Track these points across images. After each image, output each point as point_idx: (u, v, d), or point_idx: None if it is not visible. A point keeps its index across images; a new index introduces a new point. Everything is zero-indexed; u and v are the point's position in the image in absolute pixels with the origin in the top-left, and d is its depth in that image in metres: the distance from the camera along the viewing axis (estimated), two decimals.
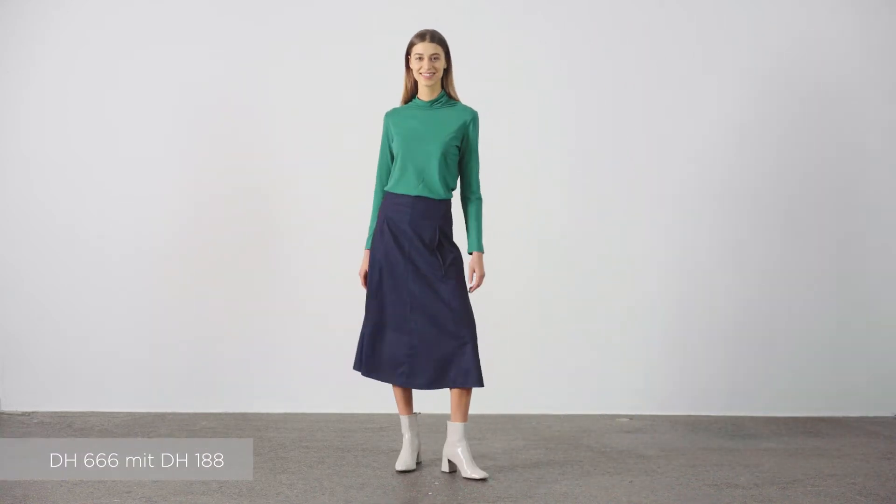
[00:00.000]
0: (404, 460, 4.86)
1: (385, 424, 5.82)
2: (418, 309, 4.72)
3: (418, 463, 4.95)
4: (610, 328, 6.20)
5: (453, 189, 4.83)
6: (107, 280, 6.15)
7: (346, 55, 6.15)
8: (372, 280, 4.80)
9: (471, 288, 4.82)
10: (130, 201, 6.16)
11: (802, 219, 6.23)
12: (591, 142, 6.21)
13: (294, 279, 6.17)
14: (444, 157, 4.73)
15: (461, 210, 4.91)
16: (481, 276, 4.81)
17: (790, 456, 5.21)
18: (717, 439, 5.59)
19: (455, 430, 4.75)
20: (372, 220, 4.87)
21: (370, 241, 4.85)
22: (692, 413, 6.19)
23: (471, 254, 4.83)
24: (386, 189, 4.83)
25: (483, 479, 4.67)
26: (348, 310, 5.60)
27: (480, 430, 5.70)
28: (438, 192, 4.75)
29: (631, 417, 6.10)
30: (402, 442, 4.97)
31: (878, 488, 4.60)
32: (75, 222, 6.14)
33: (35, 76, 6.13)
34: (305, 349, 6.15)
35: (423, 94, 4.80)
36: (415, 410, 5.01)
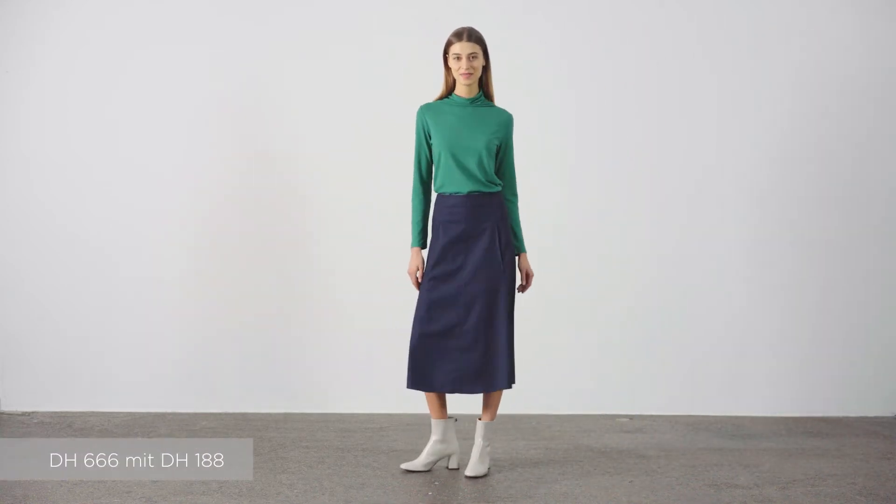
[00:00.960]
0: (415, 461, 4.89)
1: (385, 424, 5.82)
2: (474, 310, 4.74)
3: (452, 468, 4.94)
4: (610, 328, 6.20)
5: (500, 184, 4.82)
6: (107, 280, 6.15)
7: (346, 55, 6.15)
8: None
9: (521, 287, 4.87)
10: (130, 201, 6.16)
11: (802, 219, 6.23)
12: (591, 142, 6.22)
13: (294, 279, 6.17)
14: (489, 151, 4.73)
15: None
16: (531, 276, 4.88)
17: (790, 456, 5.21)
18: (717, 439, 5.59)
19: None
20: (414, 216, 4.83)
21: (418, 238, 4.82)
22: (692, 413, 6.19)
23: (518, 255, 4.85)
24: (436, 192, 4.82)
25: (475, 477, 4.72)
26: (348, 310, 5.61)
27: None
28: (489, 186, 4.75)
29: (631, 417, 6.10)
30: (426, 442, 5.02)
31: (878, 488, 4.60)
32: (75, 222, 6.14)
33: (35, 76, 6.13)
34: (305, 349, 6.15)
35: (463, 92, 4.78)
36: (449, 415, 4.96)
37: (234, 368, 6.17)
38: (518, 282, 4.87)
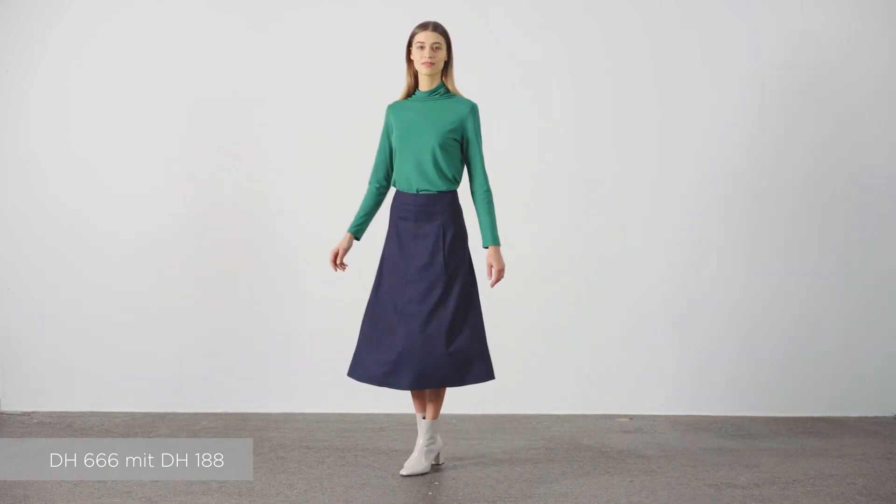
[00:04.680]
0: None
1: (385, 424, 5.82)
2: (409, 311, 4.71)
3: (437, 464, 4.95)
4: (610, 328, 6.20)
5: (457, 181, 4.79)
6: (107, 280, 6.15)
7: (346, 56, 6.15)
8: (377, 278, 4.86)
9: (491, 283, 4.80)
10: (130, 201, 6.15)
11: (802, 219, 6.23)
12: (591, 142, 6.21)
13: (294, 279, 6.17)
14: (443, 147, 4.70)
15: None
16: (500, 270, 4.78)
17: (790, 456, 5.21)
18: (717, 439, 5.59)
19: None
20: (361, 208, 4.89)
21: (353, 226, 4.89)
22: (692, 413, 6.19)
23: (486, 248, 4.81)
24: (393, 186, 4.85)
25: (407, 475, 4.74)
26: (348, 310, 5.60)
27: (480, 430, 5.70)
28: (438, 185, 4.73)
29: (631, 417, 6.10)
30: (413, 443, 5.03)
31: (878, 488, 4.60)
32: (75, 222, 6.14)
33: (35, 76, 6.13)
34: (305, 349, 6.15)
35: (423, 85, 4.77)
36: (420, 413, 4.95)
37: (234, 368, 6.17)
38: (493, 276, 4.79)
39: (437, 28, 4.73)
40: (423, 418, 4.85)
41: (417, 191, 4.74)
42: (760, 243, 6.23)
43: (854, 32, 6.20)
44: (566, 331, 6.19)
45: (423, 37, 4.70)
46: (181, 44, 6.15)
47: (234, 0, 6.17)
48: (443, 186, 4.73)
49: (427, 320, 4.66)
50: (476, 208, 4.82)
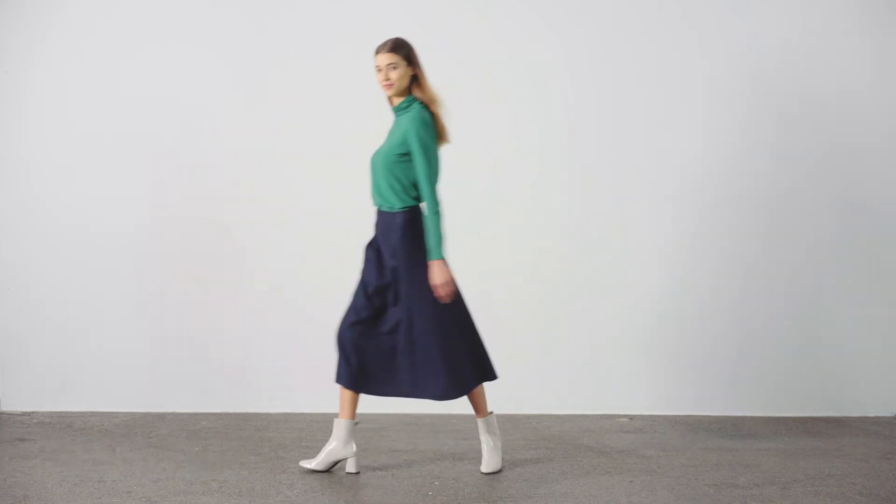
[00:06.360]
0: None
1: (385, 424, 5.82)
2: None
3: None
4: (610, 328, 6.19)
5: (412, 197, 4.72)
6: (107, 280, 6.15)
7: (346, 56, 6.15)
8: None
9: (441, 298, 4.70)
10: (130, 201, 6.16)
11: (802, 219, 6.23)
12: (591, 141, 6.21)
13: (294, 279, 6.17)
14: (389, 166, 4.71)
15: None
16: (440, 285, 4.66)
17: (790, 456, 5.21)
18: (717, 439, 5.59)
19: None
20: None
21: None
22: (692, 413, 6.19)
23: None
24: None
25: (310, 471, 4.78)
26: None
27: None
28: (391, 203, 4.73)
29: (631, 417, 6.10)
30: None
31: (878, 488, 4.60)
32: (75, 222, 6.15)
33: (35, 76, 6.13)
34: (305, 349, 6.15)
35: (392, 103, 4.83)
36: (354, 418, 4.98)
37: (234, 368, 6.17)
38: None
39: (388, 47, 4.74)
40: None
41: (378, 209, 4.79)
42: (760, 243, 6.23)
43: (854, 32, 6.19)
44: (566, 331, 6.19)
45: (377, 60, 4.75)
46: (181, 44, 6.15)
47: (234, 0, 6.17)
48: (398, 205, 4.73)
49: (394, 335, 4.83)
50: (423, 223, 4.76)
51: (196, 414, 6.07)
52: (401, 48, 4.74)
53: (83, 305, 6.15)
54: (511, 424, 5.87)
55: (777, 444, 5.49)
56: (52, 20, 6.12)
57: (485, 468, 4.82)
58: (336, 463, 4.82)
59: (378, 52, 4.75)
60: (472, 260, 6.01)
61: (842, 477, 4.79)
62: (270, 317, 6.17)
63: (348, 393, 4.86)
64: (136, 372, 6.15)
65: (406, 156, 4.70)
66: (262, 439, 5.45)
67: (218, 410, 6.13)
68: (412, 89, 4.77)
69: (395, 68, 4.71)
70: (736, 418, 6.11)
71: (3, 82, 6.14)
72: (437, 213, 4.67)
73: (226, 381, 6.15)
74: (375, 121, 6.04)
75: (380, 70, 4.73)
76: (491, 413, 4.89)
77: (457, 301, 4.77)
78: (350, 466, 4.81)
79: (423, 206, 4.71)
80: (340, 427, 4.83)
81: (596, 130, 6.21)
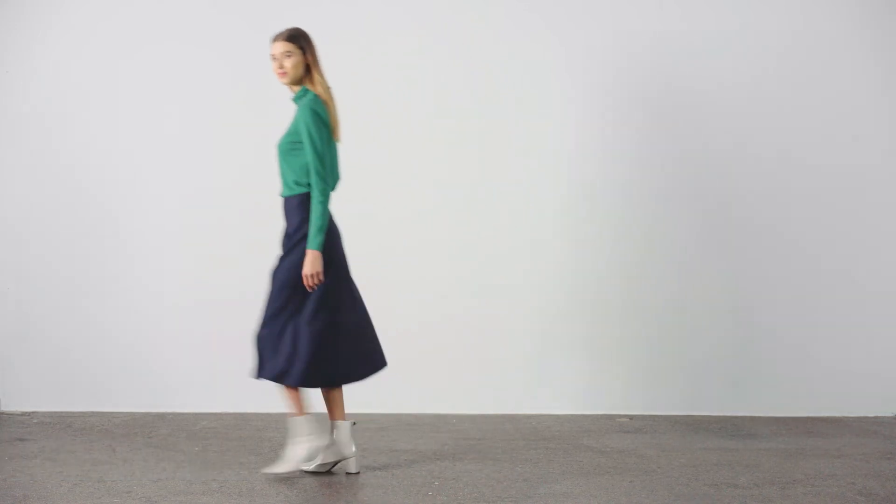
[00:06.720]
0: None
1: (385, 424, 5.82)
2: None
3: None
4: (610, 328, 6.19)
5: (301, 185, 4.72)
6: (107, 280, 6.15)
7: (346, 56, 6.15)
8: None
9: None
10: (130, 201, 6.16)
11: (803, 219, 6.23)
12: (591, 142, 6.21)
13: None
14: (284, 154, 4.75)
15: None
16: (306, 276, 4.65)
17: (790, 456, 5.21)
18: (717, 439, 5.59)
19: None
20: None
21: None
22: (692, 413, 6.19)
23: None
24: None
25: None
26: None
27: (481, 430, 5.70)
28: (289, 190, 4.75)
29: (631, 417, 6.10)
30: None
31: (878, 488, 4.60)
32: (75, 222, 6.15)
33: (35, 76, 6.13)
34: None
35: (290, 92, 4.84)
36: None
37: (234, 368, 6.16)
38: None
39: (283, 35, 4.76)
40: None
41: (281, 195, 4.80)
42: (760, 243, 6.23)
43: (854, 32, 6.20)
44: (566, 331, 6.19)
45: (272, 48, 4.76)
46: (181, 44, 6.15)
47: (234, 0, 6.17)
48: (295, 190, 4.74)
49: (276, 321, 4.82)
50: None
51: (196, 414, 6.07)
52: (297, 38, 4.78)
53: (83, 305, 6.15)
54: (511, 424, 5.87)
55: (777, 444, 5.49)
56: (52, 20, 6.12)
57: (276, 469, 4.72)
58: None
59: (274, 40, 4.77)
60: (472, 259, 6.02)
61: (842, 477, 4.79)
62: None
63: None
64: (136, 372, 6.15)
65: (298, 143, 4.74)
66: (262, 439, 5.45)
67: (218, 410, 6.13)
68: (304, 80, 4.79)
69: (289, 56, 4.73)
70: (736, 418, 6.11)
71: (3, 82, 6.14)
72: (321, 202, 4.68)
73: (226, 381, 6.15)
74: (376, 121, 6.05)
75: (274, 59, 4.75)
76: (309, 414, 4.77)
77: (329, 296, 4.71)
78: (350, 466, 4.80)
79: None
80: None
81: (597, 130, 6.21)
